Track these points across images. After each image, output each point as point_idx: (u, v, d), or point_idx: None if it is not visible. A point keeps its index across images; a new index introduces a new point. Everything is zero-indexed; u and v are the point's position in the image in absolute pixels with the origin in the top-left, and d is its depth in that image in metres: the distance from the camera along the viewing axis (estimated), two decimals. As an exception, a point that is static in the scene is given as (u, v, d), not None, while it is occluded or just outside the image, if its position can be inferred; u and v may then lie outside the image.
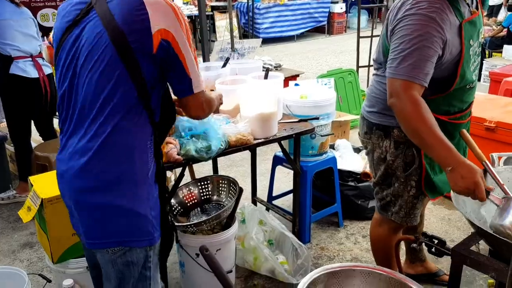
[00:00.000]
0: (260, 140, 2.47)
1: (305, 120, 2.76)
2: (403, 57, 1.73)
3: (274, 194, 3.46)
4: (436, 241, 1.69)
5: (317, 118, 2.86)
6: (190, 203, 2.64)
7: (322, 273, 1.52)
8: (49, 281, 2.49)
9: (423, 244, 1.75)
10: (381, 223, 2.20)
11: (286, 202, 3.51)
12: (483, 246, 1.80)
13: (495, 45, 8.02)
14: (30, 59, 3.56)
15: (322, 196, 3.39)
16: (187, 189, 2.65)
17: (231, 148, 2.33)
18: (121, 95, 1.37)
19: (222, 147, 2.25)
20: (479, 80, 5.94)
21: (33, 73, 3.57)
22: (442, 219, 3.37)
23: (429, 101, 1.79)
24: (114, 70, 1.35)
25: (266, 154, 4.47)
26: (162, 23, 1.35)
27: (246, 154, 3.86)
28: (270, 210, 3.25)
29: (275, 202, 3.45)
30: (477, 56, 1.92)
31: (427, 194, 2.03)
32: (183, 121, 2.24)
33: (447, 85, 1.85)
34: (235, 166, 4.44)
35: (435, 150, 1.69)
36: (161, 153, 1.54)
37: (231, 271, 2.58)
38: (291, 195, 3.14)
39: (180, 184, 2.62)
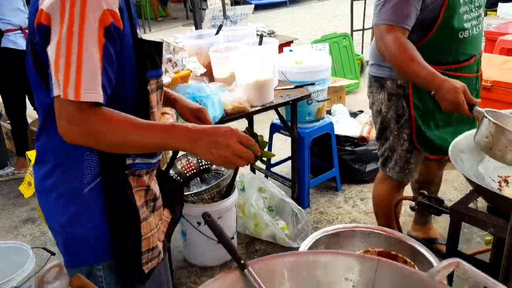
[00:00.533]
0: (256, 108, 2.46)
1: (301, 86, 2.75)
2: (383, 2, 1.83)
3: (272, 161, 3.47)
4: (433, 200, 1.71)
5: (312, 84, 2.84)
6: (189, 173, 2.65)
7: (323, 235, 1.55)
8: (53, 254, 2.52)
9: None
10: (383, 180, 2.26)
11: (285, 169, 3.53)
12: (481, 204, 1.83)
13: (489, 3, 7.88)
14: (20, 31, 3.53)
15: (319, 162, 3.41)
16: (186, 159, 2.65)
17: (228, 116, 2.32)
18: (41, 99, 1.20)
19: (218, 116, 2.24)
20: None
21: (24, 45, 3.52)
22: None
23: (419, 48, 1.84)
24: (31, 70, 1.19)
25: (262, 122, 4.44)
26: (43, 4, 1.03)
27: (243, 122, 3.85)
28: (269, 178, 3.27)
29: (273, 169, 3.47)
30: (474, 6, 1.92)
31: (420, 149, 2.06)
32: (181, 89, 2.22)
33: (432, 27, 1.89)
34: (232, 135, 4.43)
35: (419, 76, 1.79)
36: (124, 163, 1.19)
37: (232, 238, 2.62)
38: (289, 162, 3.15)
39: (178, 155, 2.63)
